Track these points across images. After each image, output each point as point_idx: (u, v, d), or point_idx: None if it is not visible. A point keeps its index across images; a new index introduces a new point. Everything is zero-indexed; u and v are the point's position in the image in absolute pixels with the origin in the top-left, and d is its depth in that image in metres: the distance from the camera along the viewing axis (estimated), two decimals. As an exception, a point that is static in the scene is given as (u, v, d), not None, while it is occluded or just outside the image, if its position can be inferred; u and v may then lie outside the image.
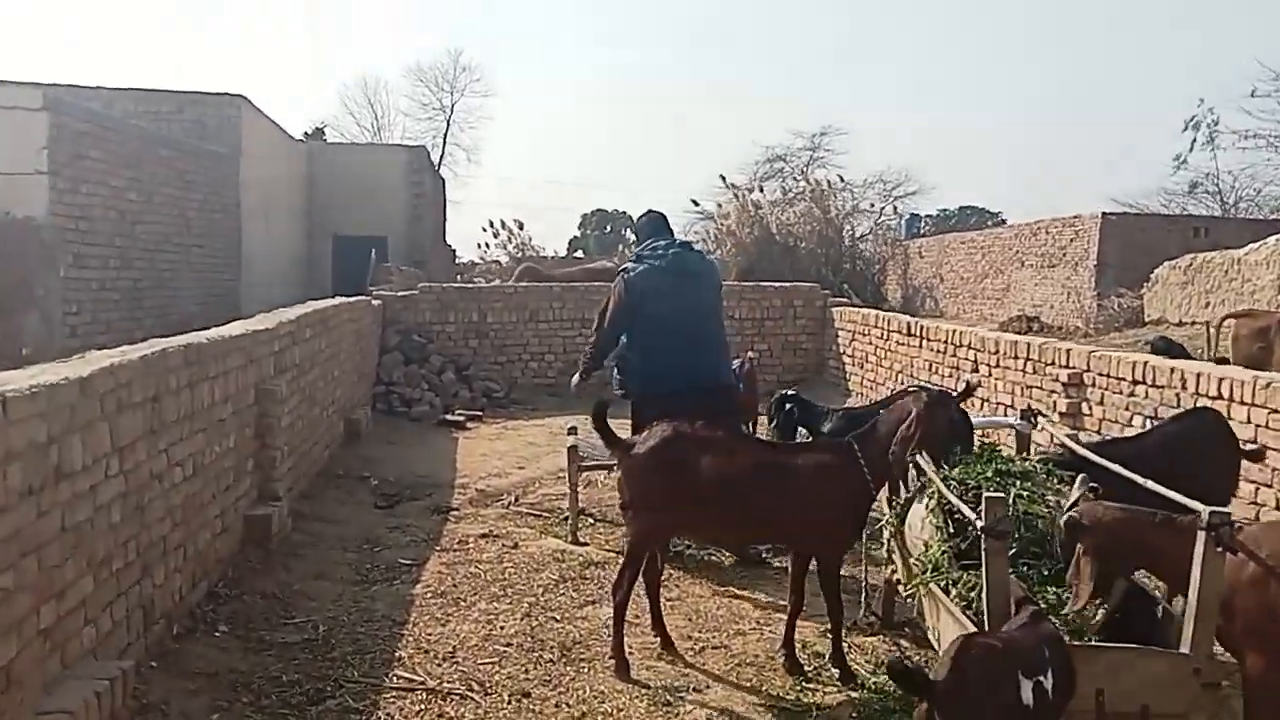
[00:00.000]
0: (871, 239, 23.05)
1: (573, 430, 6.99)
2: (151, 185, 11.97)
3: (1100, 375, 6.22)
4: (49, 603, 3.05)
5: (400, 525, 6.40)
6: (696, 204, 22.90)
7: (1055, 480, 3.70)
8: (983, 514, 2.91)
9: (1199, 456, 4.23)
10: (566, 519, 6.45)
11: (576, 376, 5.90)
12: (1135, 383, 5.85)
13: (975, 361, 7.95)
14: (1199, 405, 4.85)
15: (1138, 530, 2.91)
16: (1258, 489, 4.76)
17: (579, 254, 41.61)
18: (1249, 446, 4.43)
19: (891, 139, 64.05)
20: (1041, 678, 2.41)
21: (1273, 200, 26.93)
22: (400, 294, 11.74)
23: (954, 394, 6.15)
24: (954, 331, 8.41)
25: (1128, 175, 65.19)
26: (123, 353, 3.85)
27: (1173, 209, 27.12)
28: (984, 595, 2.91)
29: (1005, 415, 7.07)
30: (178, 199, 12.85)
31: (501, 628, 4.61)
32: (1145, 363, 5.78)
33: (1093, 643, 2.96)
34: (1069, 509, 3.04)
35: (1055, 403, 6.56)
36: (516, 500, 7.20)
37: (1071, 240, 22.51)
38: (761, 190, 22.38)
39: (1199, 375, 5.30)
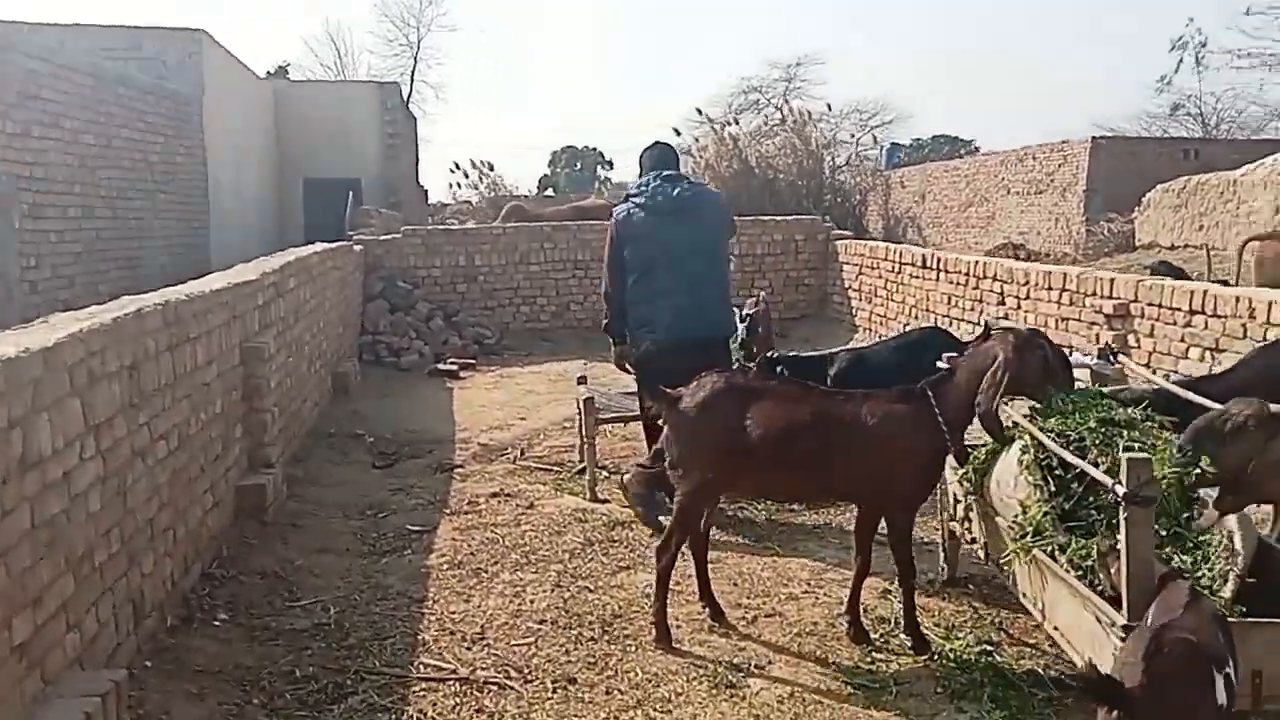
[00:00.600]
0: (850, 169, 22.56)
1: (582, 380, 6.56)
2: (110, 128, 11.17)
3: (1150, 305, 5.82)
4: (23, 613, 2.58)
5: (403, 487, 5.95)
6: (678, 134, 22.35)
7: (1159, 428, 3.28)
8: (1123, 477, 2.49)
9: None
10: (580, 472, 6.06)
11: (614, 349, 5.38)
12: (1192, 313, 5.45)
13: (1001, 294, 7.53)
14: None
15: None
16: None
17: (549, 192, 40.91)
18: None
19: (862, 68, 62.97)
20: (1229, 669, 2.03)
21: (1255, 120, 26.73)
22: (382, 238, 11.15)
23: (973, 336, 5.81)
24: (976, 263, 7.98)
25: (1106, 100, 64.42)
26: (91, 315, 3.33)
27: (1154, 131, 26.85)
28: (1124, 570, 2.51)
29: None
30: (139, 143, 12.04)
31: (531, 601, 4.19)
32: (1205, 291, 5.38)
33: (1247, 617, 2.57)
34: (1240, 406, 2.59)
35: (1098, 335, 6.17)
36: (523, 454, 6.77)
37: (1060, 166, 22.13)
38: (738, 123, 21.86)
39: (1270, 304, 4.91)
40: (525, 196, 26.57)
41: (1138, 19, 59.20)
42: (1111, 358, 4.12)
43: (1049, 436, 3.14)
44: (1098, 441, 3.12)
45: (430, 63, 35.87)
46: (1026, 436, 3.29)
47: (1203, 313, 5.38)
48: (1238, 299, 5.13)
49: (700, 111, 22.05)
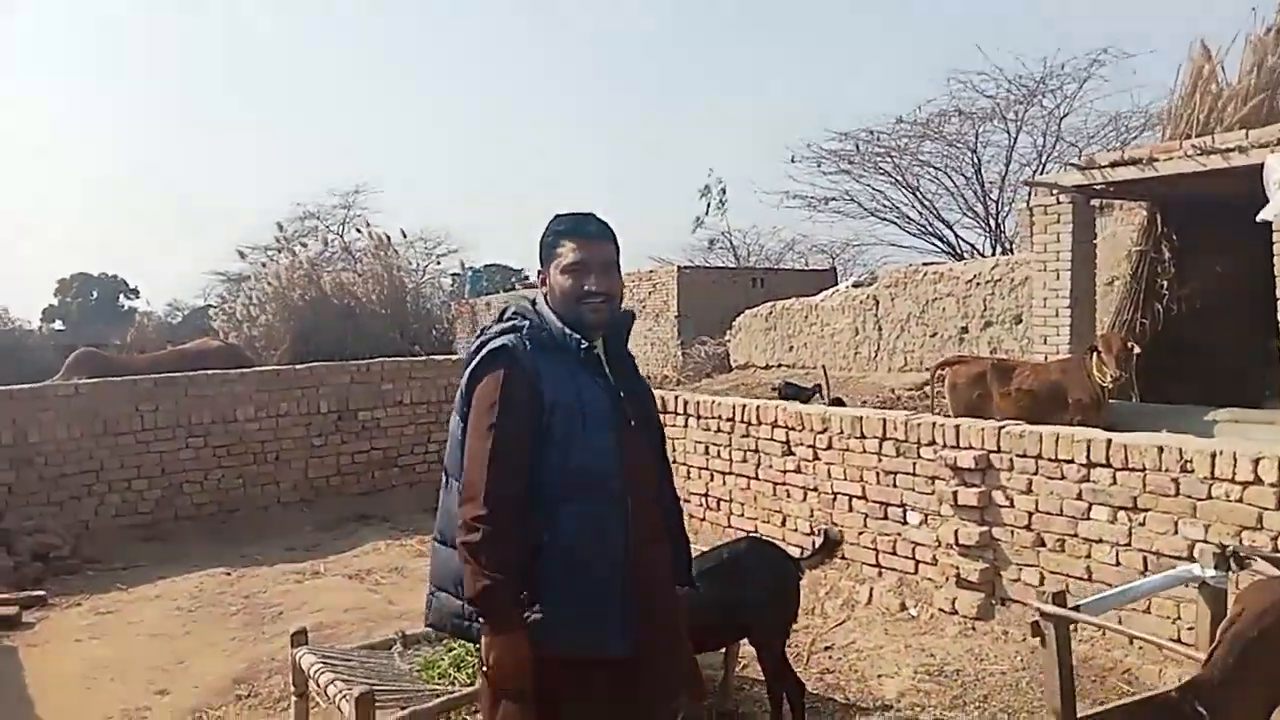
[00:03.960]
0: (432, 295, 21.68)
1: (301, 637, 4.14)
2: None
3: (1021, 456, 4.98)
4: None
5: None
6: (243, 256, 20.62)
7: None
8: None
9: None
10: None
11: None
12: (1091, 465, 4.66)
13: (787, 442, 6.41)
14: None
15: None
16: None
17: (58, 325, 34.98)
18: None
19: (420, 198, 63.38)
20: None
21: (774, 253, 31.40)
22: None
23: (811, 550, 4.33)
24: (744, 407, 6.80)
25: (646, 235, 70.85)
26: None
27: (698, 262, 30.07)
28: None
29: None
30: None
31: None
32: (1109, 441, 4.60)
33: None
34: None
35: (956, 495, 5.21)
36: (194, 770, 4.10)
37: (650, 293, 23.21)
38: (305, 247, 19.95)
39: (1195, 454, 4.21)
40: (42, 331, 21.93)
41: (673, 164, 66.52)
42: (1232, 563, 2.93)
43: None
44: None
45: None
46: None
47: (1107, 465, 4.60)
48: (1161, 450, 4.40)
49: (281, 226, 19.79)
